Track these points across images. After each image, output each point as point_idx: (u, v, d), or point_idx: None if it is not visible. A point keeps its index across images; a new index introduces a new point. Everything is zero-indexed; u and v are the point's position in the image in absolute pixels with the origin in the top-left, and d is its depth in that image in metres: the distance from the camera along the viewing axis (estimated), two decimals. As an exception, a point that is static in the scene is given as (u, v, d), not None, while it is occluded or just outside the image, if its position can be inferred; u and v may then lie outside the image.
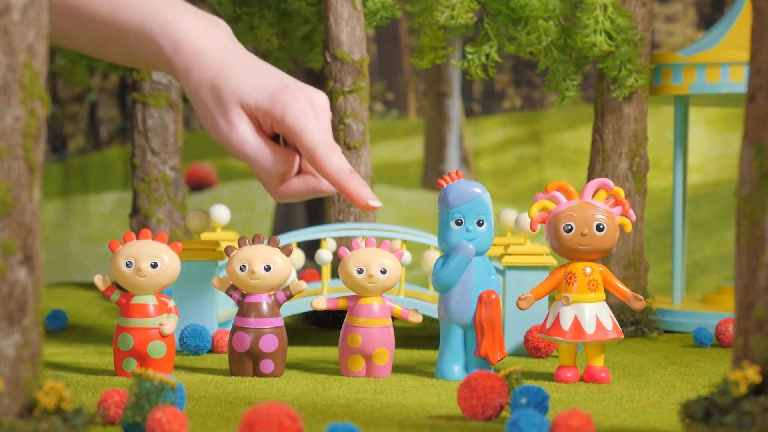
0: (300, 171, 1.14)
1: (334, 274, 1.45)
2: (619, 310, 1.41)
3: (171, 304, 1.09)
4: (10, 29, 0.69)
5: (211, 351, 1.26)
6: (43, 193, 0.72)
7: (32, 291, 0.71)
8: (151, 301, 1.08)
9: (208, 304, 1.26)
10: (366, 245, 1.11)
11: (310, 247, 1.60)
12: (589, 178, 1.50)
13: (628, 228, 1.10)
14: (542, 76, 1.57)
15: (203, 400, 0.96)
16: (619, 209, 1.10)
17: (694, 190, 2.62)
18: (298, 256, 1.46)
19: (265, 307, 1.10)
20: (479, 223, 1.09)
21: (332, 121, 1.32)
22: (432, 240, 1.33)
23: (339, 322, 1.44)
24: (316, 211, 2.38)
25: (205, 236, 1.29)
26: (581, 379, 1.10)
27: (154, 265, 1.07)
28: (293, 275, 1.35)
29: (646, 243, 1.52)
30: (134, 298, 1.08)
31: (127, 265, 1.07)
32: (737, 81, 1.44)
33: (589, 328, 1.08)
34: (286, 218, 2.50)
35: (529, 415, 0.77)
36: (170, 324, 1.08)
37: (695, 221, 2.61)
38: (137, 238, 1.08)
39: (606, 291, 1.11)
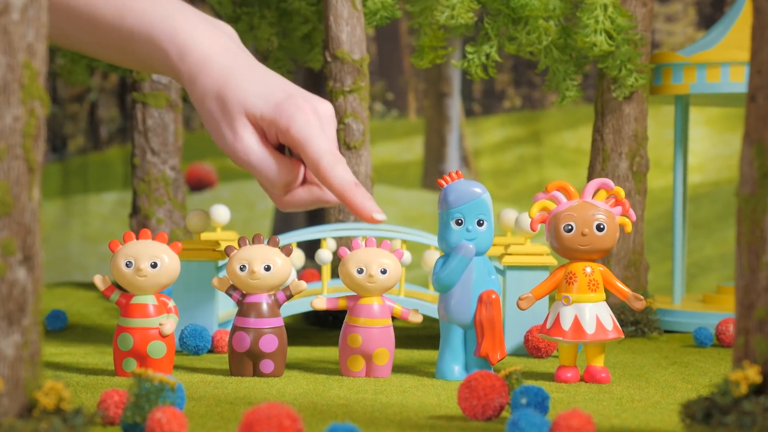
0: (305, 181, 1.14)
1: (334, 274, 1.45)
2: (620, 310, 1.41)
3: (171, 304, 1.09)
4: (9, 29, 0.69)
5: (211, 351, 1.26)
6: (43, 193, 0.72)
7: (32, 291, 0.71)
8: (150, 301, 1.08)
9: (208, 304, 1.26)
10: (366, 245, 1.11)
11: (310, 247, 1.60)
12: (590, 177, 1.50)
13: (629, 228, 1.10)
14: (542, 75, 1.57)
15: (203, 400, 0.96)
16: (619, 209, 1.10)
17: (694, 189, 2.62)
18: (298, 256, 1.46)
19: (265, 307, 1.10)
20: (479, 223, 1.09)
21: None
22: (432, 240, 1.33)
23: (339, 322, 1.44)
24: (316, 211, 2.38)
25: (205, 236, 1.29)
26: (581, 379, 1.10)
27: (154, 265, 1.07)
28: (293, 275, 1.35)
29: (646, 243, 1.52)
30: (134, 298, 1.08)
31: (126, 265, 1.07)
32: (737, 81, 1.44)
33: (590, 328, 1.08)
34: (286, 218, 2.50)
35: (529, 416, 0.77)
36: (170, 324, 1.08)
37: (695, 221, 2.61)
38: (137, 238, 1.08)
39: (606, 291, 1.10)
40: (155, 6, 1.15)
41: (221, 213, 1.31)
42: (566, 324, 1.08)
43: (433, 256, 1.40)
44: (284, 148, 1.14)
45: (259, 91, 1.10)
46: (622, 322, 1.41)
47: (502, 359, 1.09)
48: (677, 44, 2.62)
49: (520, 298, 1.10)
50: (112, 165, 2.73)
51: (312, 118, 1.09)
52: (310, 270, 1.61)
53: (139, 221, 1.66)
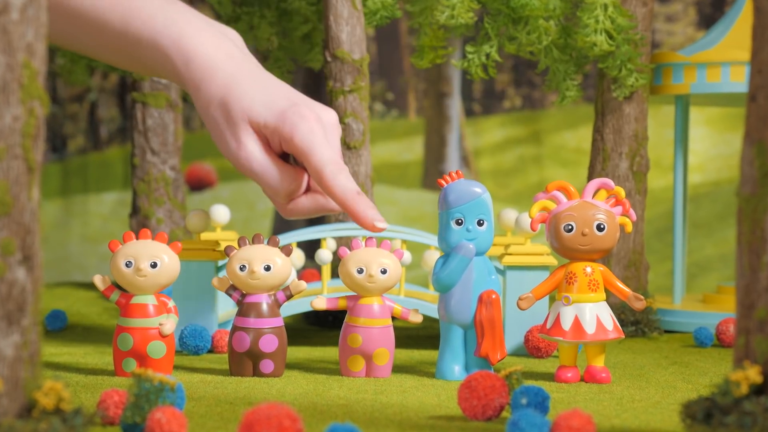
0: (308, 189, 1.14)
1: (334, 274, 1.45)
2: (620, 309, 1.41)
3: (171, 304, 1.09)
4: (9, 28, 0.69)
5: (210, 351, 1.26)
6: (42, 193, 0.72)
7: (31, 291, 0.71)
8: (150, 301, 1.08)
9: (207, 304, 1.26)
10: (366, 245, 1.11)
11: (310, 247, 1.60)
12: (590, 177, 1.50)
13: (629, 228, 1.10)
14: (542, 75, 1.57)
15: (203, 400, 0.96)
16: (619, 209, 1.10)
17: (694, 189, 2.62)
18: (298, 256, 1.46)
19: (264, 307, 1.10)
20: (479, 223, 1.09)
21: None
22: (432, 240, 1.32)
23: (339, 322, 1.44)
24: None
25: (205, 236, 1.29)
26: (582, 379, 1.10)
27: (154, 265, 1.07)
28: (293, 275, 1.35)
29: (646, 243, 1.52)
30: (134, 298, 1.08)
31: (126, 265, 1.07)
32: (738, 80, 1.44)
33: (590, 328, 1.08)
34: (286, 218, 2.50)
35: (529, 416, 0.77)
36: (170, 324, 1.08)
37: (696, 221, 2.61)
38: (137, 238, 1.08)
39: (606, 291, 1.10)
40: (160, 11, 1.14)
41: (221, 213, 1.31)
42: (566, 324, 1.08)
43: (433, 256, 1.40)
44: (288, 156, 1.14)
45: (262, 99, 1.10)
46: (623, 322, 1.40)
47: (502, 359, 1.09)
48: (677, 44, 2.62)
49: (520, 298, 1.10)
50: (112, 165, 2.73)
51: (315, 127, 1.09)
52: (310, 270, 1.61)
53: (139, 221, 1.66)
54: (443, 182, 1.10)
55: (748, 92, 0.75)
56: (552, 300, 1.17)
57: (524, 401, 0.85)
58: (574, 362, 1.10)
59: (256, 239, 1.11)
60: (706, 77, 1.46)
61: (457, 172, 1.10)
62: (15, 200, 0.70)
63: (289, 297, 1.11)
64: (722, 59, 1.45)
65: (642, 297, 1.10)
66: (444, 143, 2.76)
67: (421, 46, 1.49)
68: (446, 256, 1.10)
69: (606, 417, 0.91)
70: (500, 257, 1.27)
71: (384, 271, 1.10)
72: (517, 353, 1.26)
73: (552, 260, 1.25)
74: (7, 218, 0.69)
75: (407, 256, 1.30)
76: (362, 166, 1.42)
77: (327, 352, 1.27)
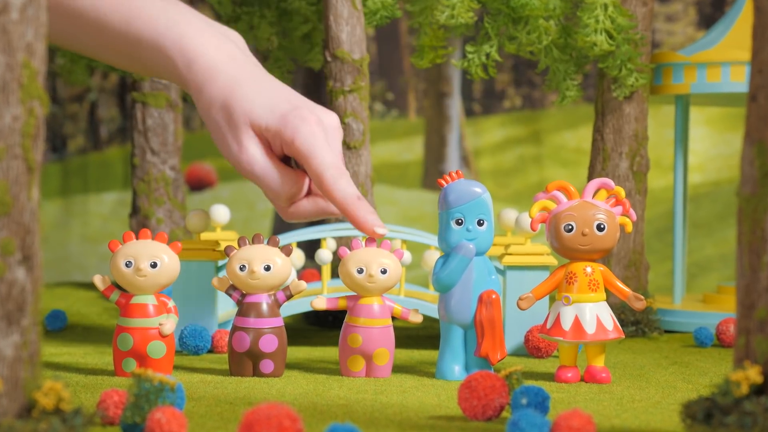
0: (309, 192, 1.14)
1: (334, 274, 1.45)
2: (620, 309, 1.41)
3: (171, 304, 1.09)
4: (8, 28, 0.69)
5: (210, 351, 1.26)
6: (42, 193, 0.72)
7: (31, 291, 0.71)
8: (150, 301, 1.08)
9: (207, 304, 1.26)
10: (366, 245, 1.11)
11: (310, 247, 1.60)
12: (590, 177, 1.50)
13: (629, 228, 1.10)
14: (542, 75, 1.57)
15: (203, 400, 0.96)
16: (619, 209, 1.10)
17: (694, 189, 2.62)
18: (298, 256, 1.46)
19: (264, 307, 1.10)
20: (479, 223, 1.09)
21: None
22: (432, 240, 1.32)
23: (339, 322, 1.44)
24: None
25: (205, 236, 1.29)
26: (582, 380, 1.10)
27: (154, 265, 1.06)
28: (293, 275, 1.35)
29: (646, 243, 1.52)
30: (134, 298, 1.08)
31: (126, 265, 1.07)
32: (738, 80, 1.44)
33: (590, 328, 1.08)
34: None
35: (529, 416, 0.76)
36: (170, 324, 1.07)
37: (696, 221, 2.61)
38: (137, 238, 1.08)
39: (607, 291, 1.10)
40: (162, 12, 1.14)
41: (221, 213, 1.30)
42: (566, 324, 1.08)
43: (433, 256, 1.40)
44: (289, 159, 1.14)
45: (264, 102, 1.10)
46: (623, 322, 1.40)
47: (502, 359, 1.09)
48: (677, 44, 2.62)
49: (520, 298, 1.10)
50: (112, 165, 2.73)
51: (317, 130, 1.09)
52: (310, 270, 1.60)
53: (139, 221, 1.66)
54: (443, 182, 1.10)
55: (748, 92, 0.75)
56: (552, 300, 1.17)
57: (524, 401, 0.85)
58: (574, 362, 1.10)
59: (256, 239, 1.11)
60: (706, 77, 1.46)
61: (457, 172, 1.10)
62: (15, 200, 0.70)
63: (289, 297, 1.11)
64: (722, 59, 1.45)
65: (642, 297, 1.10)
66: (444, 143, 2.76)
67: (421, 46, 1.49)
68: (446, 256, 1.09)
69: (606, 417, 0.91)
70: (500, 257, 1.27)
71: (384, 271, 1.10)
72: (517, 353, 1.26)
73: (552, 260, 1.25)
74: (6, 218, 0.69)
75: (407, 256, 1.30)
76: (362, 166, 1.42)
77: (327, 352, 1.27)
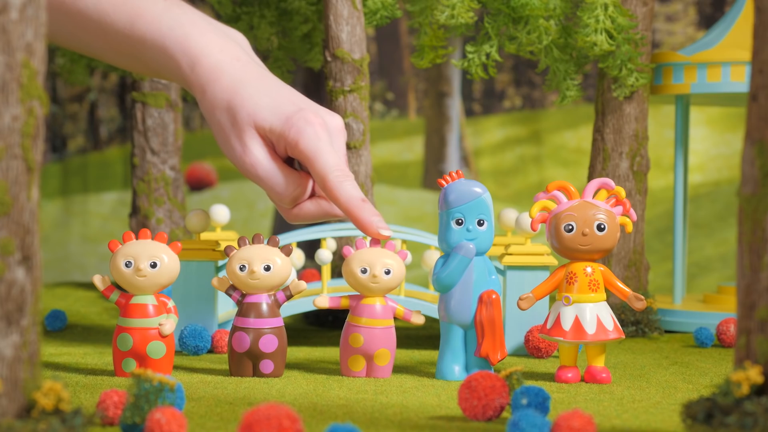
0: (313, 194, 1.14)
1: (334, 274, 1.45)
2: (620, 310, 1.41)
3: (170, 304, 1.09)
4: (8, 28, 0.69)
5: (210, 351, 1.26)
6: (42, 193, 0.72)
7: (30, 291, 0.71)
8: (150, 301, 1.08)
9: (207, 304, 1.26)
10: (370, 245, 1.11)
11: (310, 247, 1.60)
12: (590, 177, 1.50)
13: (629, 228, 1.10)
14: (543, 75, 1.57)
15: (202, 400, 0.96)
16: (620, 209, 1.10)
17: (694, 189, 2.62)
18: (298, 256, 1.46)
19: (264, 307, 1.10)
20: (480, 223, 1.09)
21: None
22: (432, 240, 1.32)
23: (339, 322, 1.44)
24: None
25: (205, 236, 1.29)
26: (582, 380, 1.10)
27: (154, 265, 1.06)
28: (293, 275, 1.35)
29: (646, 243, 1.52)
30: (133, 298, 1.08)
31: (126, 265, 1.07)
32: (738, 80, 1.44)
33: (590, 328, 1.08)
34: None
35: (530, 416, 0.76)
36: (170, 324, 1.07)
37: (696, 221, 2.61)
38: (136, 238, 1.08)
39: (607, 291, 1.10)
40: (166, 13, 1.14)
41: (221, 213, 1.30)
42: (567, 324, 1.08)
43: (433, 256, 1.40)
44: (293, 160, 1.14)
45: (268, 104, 1.10)
46: (623, 322, 1.40)
47: (502, 359, 1.09)
48: (678, 44, 2.62)
49: (520, 298, 1.10)
50: (112, 165, 2.74)
51: (321, 133, 1.09)
52: (310, 270, 1.60)
53: (139, 221, 1.66)
54: (443, 182, 1.10)
55: (749, 92, 0.75)
56: (552, 300, 1.17)
57: (524, 401, 0.85)
58: (574, 362, 1.10)
59: (256, 239, 1.11)
60: (706, 77, 1.46)
61: (457, 172, 1.10)
62: (14, 200, 0.70)
63: (289, 297, 1.11)
64: (723, 59, 1.45)
65: (642, 297, 1.10)
66: (444, 143, 2.76)
67: (421, 46, 1.49)
68: (446, 256, 1.09)
69: (606, 417, 0.91)
70: (500, 257, 1.27)
71: (388, 272, 1.10)
72: (517, 353, 1.26)
73: (552, 260, 1.25)
74: (6, 218, 0.69)
75: (408, 257, 1.30)
76: (362, 166, 1.42)
77: (327, 352, 1.27)
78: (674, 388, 1.06)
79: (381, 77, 2.75)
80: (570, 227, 1.08)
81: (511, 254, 1.26)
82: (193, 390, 1.00)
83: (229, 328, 1.21)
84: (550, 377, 1.11)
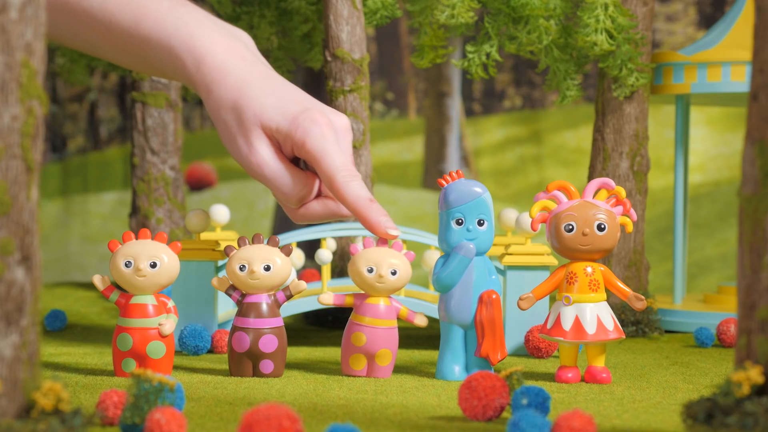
0: (319, 194, 1.14)
1: (334, 274, 1.45)
2: (620, 310, 1.40)
3: (170, 304, 1.09)
4: (7, 27, 0.69)
5: (210, 351, 1.26)
6: (42, 193, 0.72)
7: (30, 291, 0.71)
8: (150, 301, 1.08)
9: (207, 304, 1.25)
10: (378, 245, 1.11)
11: (310, 247, 1.60)
12: (590, 177, 1.50)
13: (630, 228, 1.10)
14: (543, 75, 1.57)
15: (202, 400, 0.95)
16: (620, 209, 1.10)
17: (695, 189, 2.62)
18: (298, 256, 1.46)
19: (264, 307, 1.10)
20: (480, 223, 1.09)
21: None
22: (432, 240, 1.32)
23: (339, 322, 1.44)
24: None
25: (205, 236, 1.28)
26: (582, 380, 1.10)
27: (153, 265, 1.06)
28: (293, 275, 1.35)
29: (646, 243, 1.52)
30: (133, 298, 1.08)
31: (126, 265, 1.07)
32: (738, 80, 1.44)
33: (590, 328, 1.08)
34: (286, 218, 2.50)
35: (530, 416, 0.76)
36: (169, 324, 1.07)
37: (696, 221, 2.61)
38: (136, 238, 1.08)
39: (607, 291, 1.10)
40: (171, 12, 1.14)
41: (221, 213, 1.30)
42: (567, 324, 1.08)
43: (433, 256, 1.40)
44: (299, 160, 1.14)
45: (274, 104, 1.10)
46: (623, 322, 1.40)
47: (502, 359, 1.09)
48: (678, 44, 2.62)
49: (520, 298, 1.10)
50: (112, 165, 2.74)
51: (327, 132, 1.09)
52: (310, 270, 1.60)
53: (139, 221, 1.66)
54: (443, 182, 1.10)
55: (749, 92, 0.75)
56: (552, 300, 1.17)
57: (525, 401, 0.85)
58: (574, 362, 1.10)
59: (255, 239, 1.11)
60: (706, 77, 1.46)
61: (457, 172, 1.10)
62: (14, 200, 0.70)
63: (289, 297, 1.11)
64: (723, 59, 1.45)
65: (642, 297, 1.10)
66: (444, 143, 2.76)
67: (421, 46, 1.49)
68: (446, 256, 1.09)
69: (607, 417, 0.91)
70: (500, 257, 1.27)
71: (394, 272, 1.09)
72: (517, 353, 1.26)
73: (552, 260, 1.25)
74: (5, 218, 0.69)
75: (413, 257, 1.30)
76: (362, 166, 1.42)
77: (327, 352, 1.27)
78: (674, 388, 1.06)
79: (381, 77, 2.75)
80: (570, 227, 1.08)
81: (511, 254, 1.26)
82: (193, 390, 1.00)
83: (229, 328, 1.21)
84: (551, 377, 1.11)
